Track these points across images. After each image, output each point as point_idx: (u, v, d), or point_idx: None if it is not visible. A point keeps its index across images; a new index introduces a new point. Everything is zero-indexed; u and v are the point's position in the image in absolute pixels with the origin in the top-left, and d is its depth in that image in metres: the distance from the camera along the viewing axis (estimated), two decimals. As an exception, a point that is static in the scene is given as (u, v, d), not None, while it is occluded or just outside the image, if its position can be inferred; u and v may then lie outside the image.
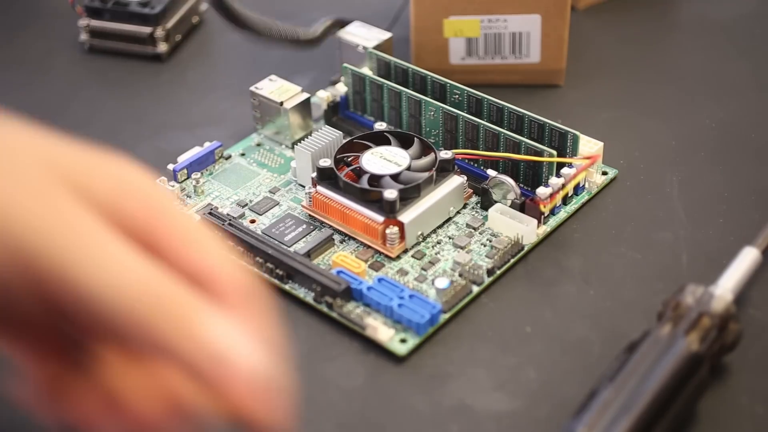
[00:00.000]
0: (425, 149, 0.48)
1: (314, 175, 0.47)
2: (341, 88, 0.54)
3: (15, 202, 0.27)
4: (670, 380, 0.36)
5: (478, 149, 0.49)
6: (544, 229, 0.47)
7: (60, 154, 0.29)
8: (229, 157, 0.53)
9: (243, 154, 0.53)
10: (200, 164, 0.51)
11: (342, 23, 0.56)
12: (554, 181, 0.47)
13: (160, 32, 0.60)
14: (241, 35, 0.53)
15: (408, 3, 0.57)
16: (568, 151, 0.48)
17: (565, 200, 0.48)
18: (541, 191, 0.46)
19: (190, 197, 0.50)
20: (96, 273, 0.26)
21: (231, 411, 0.28)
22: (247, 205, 0.49)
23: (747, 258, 0.42)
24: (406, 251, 0.46)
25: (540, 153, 0.47)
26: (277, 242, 0.46)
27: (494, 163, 0.49)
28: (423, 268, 0.45)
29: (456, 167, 0.48)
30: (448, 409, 0.39)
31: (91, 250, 0.27)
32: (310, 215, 0.48)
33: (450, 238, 0.47)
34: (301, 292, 0.44)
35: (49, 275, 0.26)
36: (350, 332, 0.42)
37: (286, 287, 0.44)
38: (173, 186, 0.49)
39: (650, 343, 0.37)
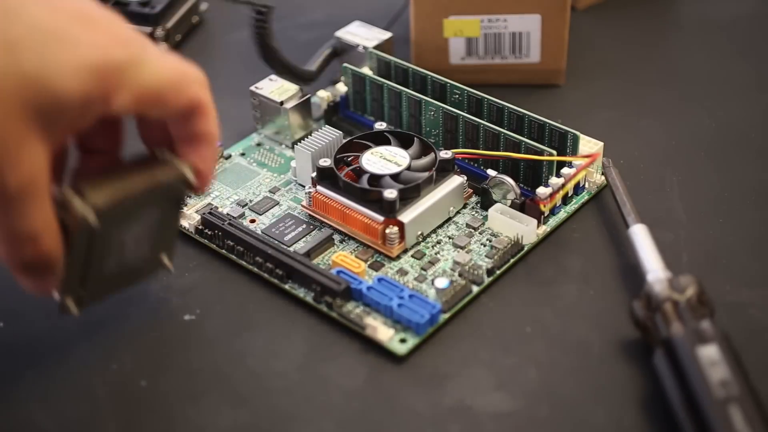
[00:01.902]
0: (425, 149, 0.48)
1: (314, 175, 0.47)
2: (341, 88, 0.54)
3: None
4: (734, 361, 0.37)
5: (478, 149, 0.49)
6: (544, 229, 0.47)
7: None
8: (229, 156, 0.53)
9: (243, 154, 0.53)
10: (200, 164, 0.51)
11: (337, 53, 0.56)
12: (554, 180, 0.47)
13: (160, 32, 0.60)
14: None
15: (408, 3, 0.57)
16: (568, 151, 0.48)
17: (565, 200, 0.48)
18: (541, 191, 0.46)
19: (190, 197, 0.49)
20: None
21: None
22: (247, 204, 0.49)
23: (642, 234, 0.44)
24: (406, 251, 0.46)
25: (540, 153, 0.47)
26: (277, 242, 0.46)
27: (494, 163, 0.49)
28: (423, 268, 0.45)
29: (456, 167, 0.48)
30: (448, 409, 0.39)
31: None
32: (310, 215, 0.48)
33: (450, 238, 0.47)
34: (301, 292, 0.44)
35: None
36: (350, 332, 0.42)
37: (286, 287, 0.44)
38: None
39: (690, 357, 0.37)
